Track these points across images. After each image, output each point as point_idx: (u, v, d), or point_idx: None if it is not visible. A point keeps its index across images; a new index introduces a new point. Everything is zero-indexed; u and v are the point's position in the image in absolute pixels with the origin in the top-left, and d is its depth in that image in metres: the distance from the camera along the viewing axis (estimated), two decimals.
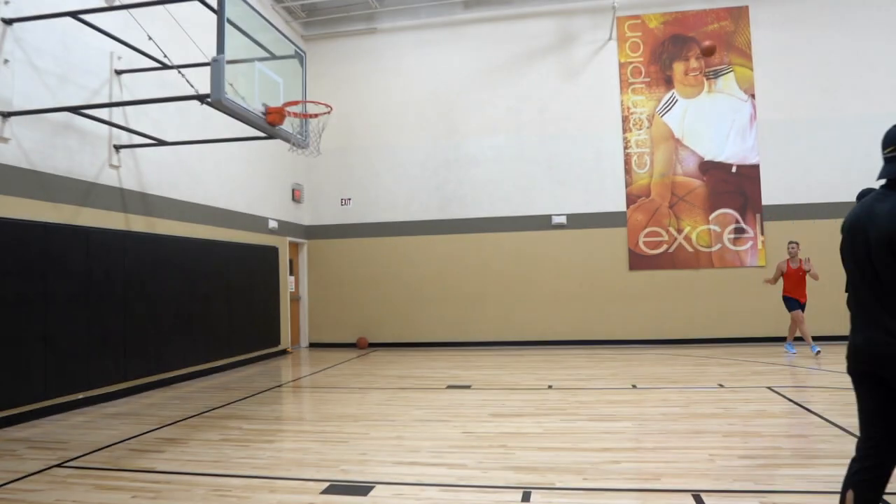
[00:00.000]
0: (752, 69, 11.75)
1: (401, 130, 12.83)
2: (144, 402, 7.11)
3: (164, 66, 7.41)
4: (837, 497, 3.53)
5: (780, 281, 9.75)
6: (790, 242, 9.69)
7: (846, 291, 2.71)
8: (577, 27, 12.30)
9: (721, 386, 7.10)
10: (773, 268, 11.50)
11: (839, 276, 11.33)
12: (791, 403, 6.00)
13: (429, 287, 12.47)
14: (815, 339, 10.53)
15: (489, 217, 12.36)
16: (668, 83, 12.00)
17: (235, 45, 6.10)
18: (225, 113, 6.02)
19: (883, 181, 2.57)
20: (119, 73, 7.59)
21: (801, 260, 9.45)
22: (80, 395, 6.72)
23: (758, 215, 11.58)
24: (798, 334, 9.60)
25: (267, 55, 6.93)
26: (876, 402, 2.53)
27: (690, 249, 11.76)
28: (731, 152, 11.75)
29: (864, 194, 3.89)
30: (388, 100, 12.88)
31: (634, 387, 7.29)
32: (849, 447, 4.42)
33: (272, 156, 11.52)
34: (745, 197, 11.64)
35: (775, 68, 11.65)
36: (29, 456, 4.82)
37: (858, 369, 2.60)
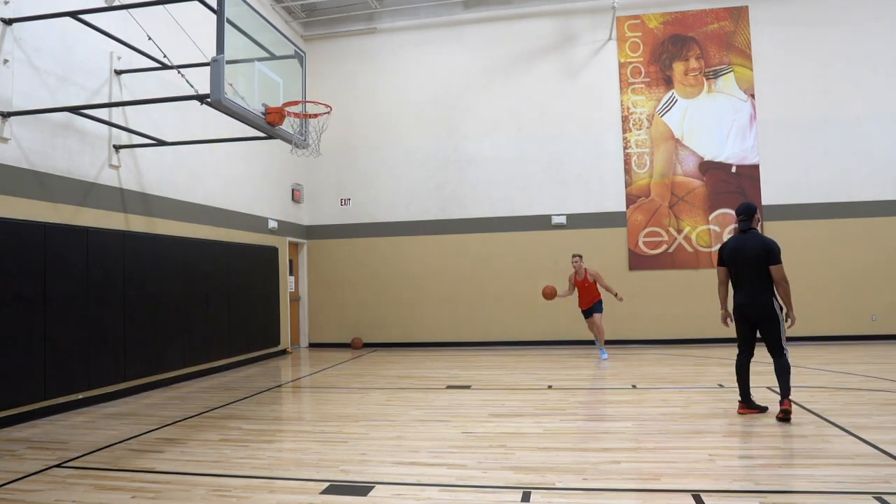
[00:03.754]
0: (751, 69, 11.75)
1: (401, 130, 12.82)
2: (144, 402, 7.11)
3: (164, 66, 7.41)
4: (837, 497, 3.55)
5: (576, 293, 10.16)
6: (574, 256, 10.09)
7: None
8: (577, 27, 12.29)
9: (721, 386, 7.10)
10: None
11: (840, 276, 11.22)
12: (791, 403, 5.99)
13: (429, 287, 12.46)
14: (815, 339, 10.56)
15: (489, 217, 12.36)
16: (668, 83, 12.00)
17: (235, 45, 6.10)
18: (225, 113, 6.02)
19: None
20: (119, 73, 7.60)
21: (585, 271, 9.93)
22: (80, 395, 6.72)
23: (757, 215, 11.55)
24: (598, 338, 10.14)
25: (267, 55, 6.93)
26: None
27: (690, 249, 11.76)
28: (730, 152, 11.75)
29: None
30: (387, 100, 12.88)
31: (634, 387, 7.29)
32: (849, 447, 4.44)
33: (272, 156, 11.52)
34: (745, 197, 11.62)
35: (775, 68, 11.64)
36: (29, 456, 4.82)
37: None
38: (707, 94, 11.89)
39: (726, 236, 11.66)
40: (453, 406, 6.43)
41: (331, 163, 12.77)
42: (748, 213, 5.68)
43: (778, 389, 5.34)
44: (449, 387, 7.65)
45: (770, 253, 5.39)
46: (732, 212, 11.67)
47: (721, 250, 5.70)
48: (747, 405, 5.53)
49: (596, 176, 12.10)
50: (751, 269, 5.44)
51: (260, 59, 6.72)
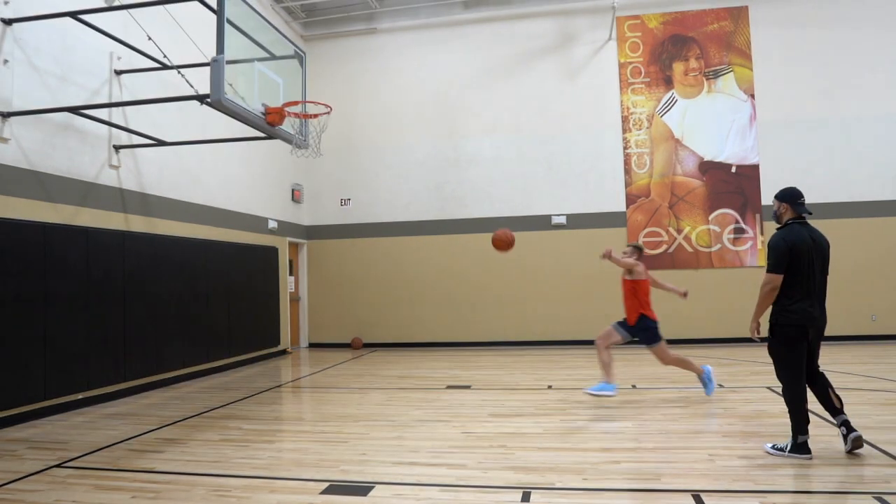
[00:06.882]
0: (751, 69, 11.75)
1: (401, 130, 12.82)
2: (144, 402, 7.11)
3: (164, 67, 7.40)
4: (838, 497, 3.54)
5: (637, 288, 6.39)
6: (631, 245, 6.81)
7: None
8: (576, 27, 12.30)
9: (721, 386, 7.10)
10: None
11: (840, 276, 11.15)
12: None
13: (429, 287, 12.46)
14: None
15: (489, 217, 12.35)
16: (668, 83, 12.00)
17: (235, 45, 6.09)
18: (225, 113, 6.02)
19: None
20: (119, 73, 7.59)
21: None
22: (80, 396, 6.72)
23: (757, 215, 11.58)
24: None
25: (267, 55, 6.93)
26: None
27: (690, 249, 11.76)
28: (730, 152, 11.76)
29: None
30: (388, 100, 12.88)
31: (634, 387, 7.29)
32: None
33: (272, 156, 11.52)
34: (745, 197, 11.64)
35: (775, 68, 11.64)
36: (29, 456, 4.82)
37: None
38: (707, 94, 11.89)
39: (726, 236, 11.66)
40: (453, 406, 6.43)
41: (331, 163, 12.76)
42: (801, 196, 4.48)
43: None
44: (449, 387, 7.65)
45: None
46: (732, 211, 11.68)
47: (785, 244, 4.30)
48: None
49: (596, 176, 12.10)
50: (822, 272, 4.39)
51: (260, 60, 6.71)
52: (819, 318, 4.36)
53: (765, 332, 4.56)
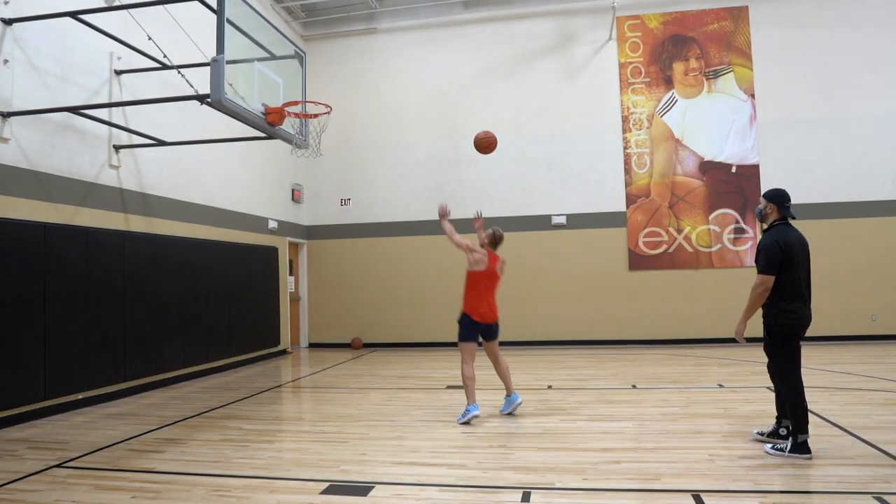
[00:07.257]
0: (751, 69, 11.75)
1: (401, 130, 12.82)
2: (144, 402, 7.11)
3: (164, 67, 7.40)
4: (838, 497, 3.54)
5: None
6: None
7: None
8: (576, 27, 12.29)
9: (721, 386, 7.10)
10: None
11: (840, 276, 11.13)
12: None
13: (429, 287, 12.45)
14: (815, 339, 10.56)
15: (489, 217, 12.29)
16: (668, 83, 12.00)
17: (235, 45, 6.09)
18: (225, 113, 6.01)
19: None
20: (119, 73, 7.59)
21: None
22: (80, 396, 6.72)
23: None
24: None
25: (267, 55, 6.92)
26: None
27: (690, 249, 11.75)
28: (730, 152, 11.75)
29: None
30: (388, 100, 12.88)
31: (634, 387, 7.28)
32: (849, 447, 4.44)
33: (272, 156, 11.52)
34: (745, 197, 11.64)
35: (775, 68, 11.64)
36: (29, 456, 4.82)
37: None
38: (707, 94, 11.89)
39: (726, 236, 11.66)
40: (453, 406, 6.42)
41: (331, 163, 12.76)
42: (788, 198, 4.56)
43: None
44: (449, 387, 7.64)
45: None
46: (732, 211, 11.68)
47: (778, 245, 4.33)
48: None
49: (596, 176, 12.10)
50: (808, 272, 4.47)
51: (260, 60, 6.71)
52: (810, 317, 4.45)
53: (750, 333, 4.70)
